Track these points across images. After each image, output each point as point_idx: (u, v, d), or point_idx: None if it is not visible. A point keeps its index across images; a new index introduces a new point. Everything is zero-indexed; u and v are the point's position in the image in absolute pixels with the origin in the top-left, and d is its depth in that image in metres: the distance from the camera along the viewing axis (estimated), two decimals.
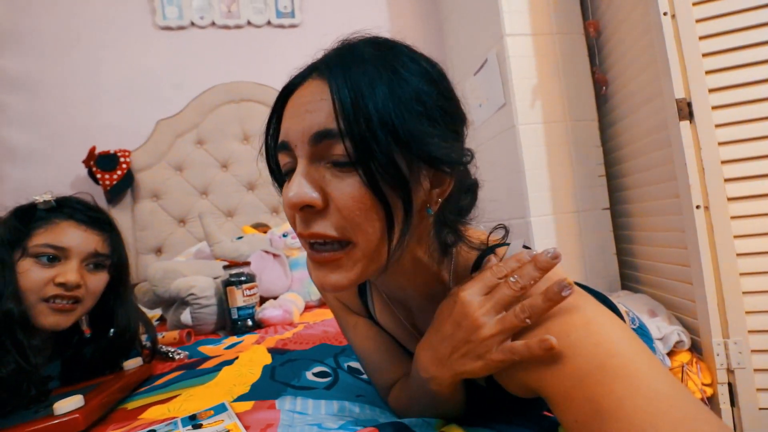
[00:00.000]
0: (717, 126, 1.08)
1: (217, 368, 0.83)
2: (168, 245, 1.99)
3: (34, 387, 0.70)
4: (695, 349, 1.20)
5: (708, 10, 1.08)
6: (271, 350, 0.94)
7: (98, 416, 0.63)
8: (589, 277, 1.52)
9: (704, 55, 1.09)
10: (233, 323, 1.23)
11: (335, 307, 0.66)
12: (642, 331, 0.75)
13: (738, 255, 1.07)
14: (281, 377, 0.75)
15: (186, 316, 1.24)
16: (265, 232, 1.75)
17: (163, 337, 1.12)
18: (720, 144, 1.08)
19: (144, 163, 1.97)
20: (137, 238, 1.95)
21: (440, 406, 0.49)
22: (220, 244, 1.50)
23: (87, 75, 2.00)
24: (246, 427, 0.52)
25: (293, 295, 1.43)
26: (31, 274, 0.73)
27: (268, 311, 1.26)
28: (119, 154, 1.88)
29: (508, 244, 0.46)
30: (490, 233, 0.49)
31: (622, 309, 0.68)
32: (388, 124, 0.37)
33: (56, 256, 0.75)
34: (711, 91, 1.08)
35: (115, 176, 1.85)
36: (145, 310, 1.00)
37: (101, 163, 1.85)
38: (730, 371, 1.09)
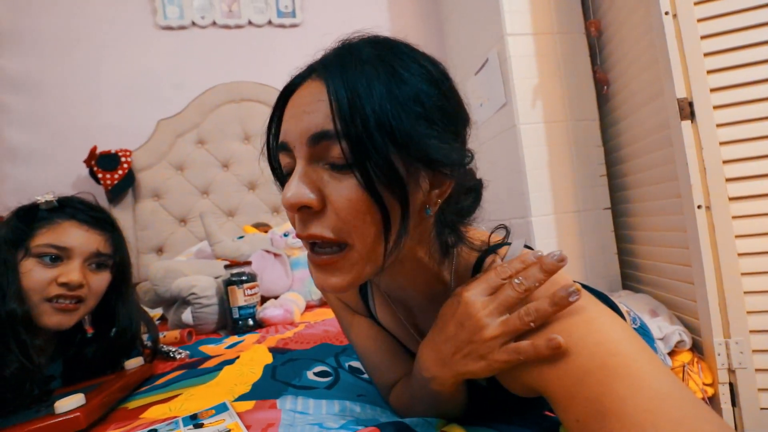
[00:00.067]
0: (718, 126, 1.08)
1: (218, 368, 0.83)
2: (169, 245, 1.99)
3: (37, 386, 0.70)
4: (696, 348, 1.20)
5: (709, 10, 1.08)
6: (272, 350, 0.94)
7: (99, 415, 0.63)
8: (590, 277, 1.52)
9: (706, 54, 1.08)
10: (234, 323, 1.23)
11: (336, 306, 0.66)
12: (643, 331, 0.75)
13: (739, 255, 1.07)
14: (282, 377, 0.75)
15: (187, 316, 1.24)
16: (266, 232, 1.75)
17: (164, 336, 1.12)
18: (721, 144, 1.08)
19: (145, 163, 1.98)
20: (138, 237, 1.95)
21: (442, 405, 0.49)
22: (221, 243, 1.50)
23: (88, 75, 2.00)
24: (247, 427, 0.52)
25: (294, 295, 1.43)
26: (34, 274, 0.73)
27: (269, 311, 1.26)
28: (120, 153, 1.88)
29: (509, 244, 0.46)
30: (492, 233, 0.49)
31: (623, 309, 0.68)
32: (385, 125, 0.37)
33: (59, 256, 0.75)
34: (712, 90, 1.08)
35: (116, 176, 1.85)
36: (146, 309, 1.00)
37: (102, 162, 1.85)
38: (731, 371, 1.09)
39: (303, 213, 0.40)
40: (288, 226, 1.77)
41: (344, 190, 0.38)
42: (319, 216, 0.40)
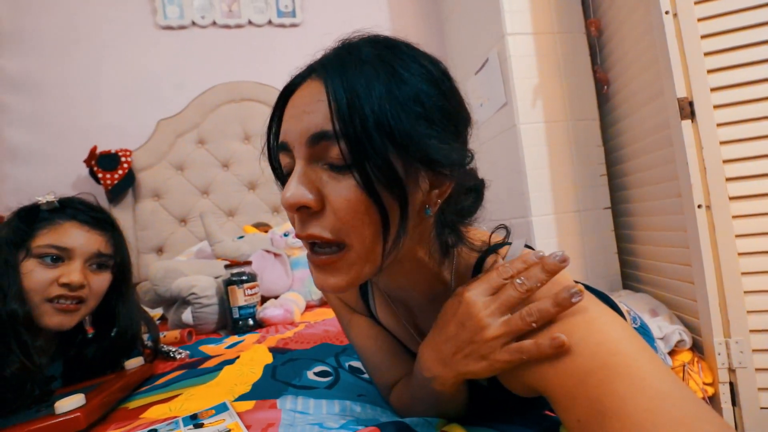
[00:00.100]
0: (719, 125, 1.08)
1: (218, 368, 0.83)
2: (169, 245, 1.99)
3: (38, 387, 0.70)
4: (696, 348, 1.20)
5: (710, 9, 1.08)
6: (272, 349, 0.94)
7: (99, 415, 0.63)
8: (590, 277, 1.52)
9: (706, 54, 1.08)
10: (234, 322, 1.23)
11: (337, 306, 0.66)
12: (643, 331, 0.75)
13: (740, 254, 1.07)
14: (282, 377, 0.75)
15: (187, 316, 1.24)
16: (266, 232, 1.75)
17: (165, 336, 1.12)
18: (722, 143, 1.08)
19: (145, 163, 1.98)
20: (138, 237, 1.95)
21: (442, 405, 0.49)
22: (221, 243, 1.50)
23: (88, 75, 2.00)
24: (247, 427, 0.52)
25: (294, 295, 1.43)
26: (35, 275, 0.73)
27: (269, 310, 1.26)
28: (120, 153, 1.88)
29: (510, 244, 0.46)
30: (492, 233, 0.49)
31: (623, 308, 0.68)
32: (384, 126, 0.37)
33: (60, 256, 0.76)
34: (713, 90, 1.08)
35: (116, 176, 1.85)
36: (146, 309, 1.00)
37: (102, 162, 1.85)
38: (731, 371, 1.09)
39: (302, 213, 0.40)
40: (288, 226, 1.77)
41: (343, 191, 0.38)
42: (318, 216, 0.40)
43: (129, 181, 1.89)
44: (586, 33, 1.57)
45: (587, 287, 0.47)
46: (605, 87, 1.54)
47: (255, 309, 1.27)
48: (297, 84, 0.43)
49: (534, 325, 0.37)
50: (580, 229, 1.53)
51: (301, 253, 1.62)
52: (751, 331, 1.06)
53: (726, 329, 1.08)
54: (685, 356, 1.16)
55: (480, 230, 0.50)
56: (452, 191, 0.43)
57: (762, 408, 1.06)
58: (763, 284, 1.05)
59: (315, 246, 0.42)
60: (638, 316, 0.92)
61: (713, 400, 1.12)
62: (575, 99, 1.55)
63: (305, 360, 0.83)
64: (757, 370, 1.06)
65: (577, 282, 0.40)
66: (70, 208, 0.80)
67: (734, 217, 1.07)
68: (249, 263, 1.34)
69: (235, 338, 1.14)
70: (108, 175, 1.84)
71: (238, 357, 0.90)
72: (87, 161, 1.85)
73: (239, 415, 0.57)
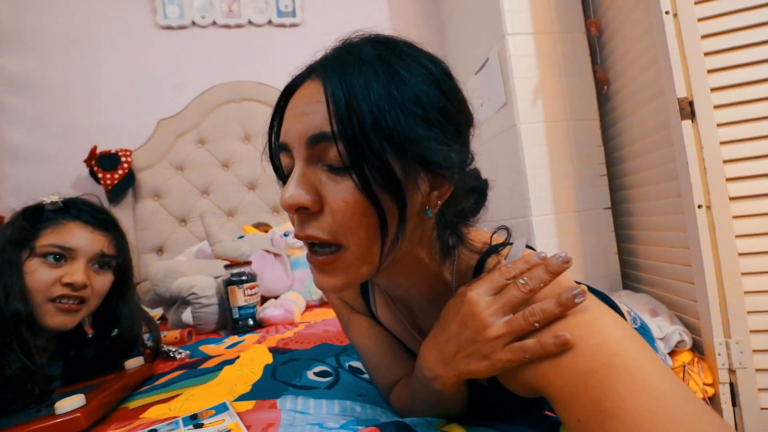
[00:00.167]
0: (719, 125, 1.08)
1: (218, 368, 0.83)
2: (169, 245, 1.99)
3: (38, 386, 0.70)
4: (697, 348, 1.20)
5: (710, 9, 1.08)
6: (272, 350, 0.94)
7: (99, 415, 0.63)
8: (590, 277, 1.52)
9: (706, 54, 1.08)
10: (234, 323, 1.23)
11: (337, 305, 0.66)
12: (643, 331, 0.75)
13: (740, 255, 1.07)
14: (282, 377, 0.75)
15: (187, 316, 1.24)
16: (266, 232, 1.75)
17: (165, 336, 1.12)
18: (722, 143, 1.08)
19: (145, 163, 1.98)
20: (138, 237, 1.95)
21: (443, 405, 0.49)
22: (222, 243, 1.50)
23: (88, 75, 2.00)
24: (247, 427, 0.52)
25: (294, 295, 1.43)
26: (38, 274, 0.73)
27: (269, 311, 1.26)
28: (120, 153, 1.88)
29: (511, 244, 0.46)
30: (493, 234, 0.49)
31: (623, 308, 0.68)
32: (383, 127, 0.37)
33: (63, 256, 0.76)
34: (713, 90, 1.08)
35: (116, 176, 1.85)
36: (146, 309, 1.01)
37: (102, 162, 1.85)
38: (731, 371, 1.09)
39: (301, 214, 0.41)
40: (288, 226, 1.77)
41: (341, 192, 0.38)
42: (316, 217, 0.40)
43: (129, 181, 1.89)
44: (587, 33, 1.57)
45: (587, 287, 0.47)
46: (605, 87, 1.54)
47: (255, 309, 1.27)
48: (297, 84, 0.42)
49: (537, 325, 0.37)
50: (580, 230, 1.53)
51: (301, 253, 1.62)
52: (752, 331, 1.06)
53: (726, 329, 1.08)
54: (685, 357, 1.16)
55: (481, 231, 0.50)
56: (453, 192, 0.43)
57: (762, 408, 1.06)
58: (764, 285, 1.05)
59: (314, 246, 0.42)
60: (638, 317, 0.92)
61: (713, 401, 1.12)
62: (575, 99, 1.55)
63: (305, 360, 0.83)
64: (757, 370, 1.06)
65: (578, 283, 0.40)
66: (74, 209, 0.81)
67: (734, 217, 1.07)
68: (249, 263, 1.34)
69: (235, 338, 1.15)
70: (108, 175, 1.84)
71: (238, 357, 0.90)
72: (87, 161, 1.85)
73: (239, 415, 0.57)
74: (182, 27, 2.10)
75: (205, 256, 1.62)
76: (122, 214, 1.89)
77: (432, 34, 2.30)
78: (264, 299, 1.41)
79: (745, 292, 1.06)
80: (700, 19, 1.08)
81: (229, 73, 2.11)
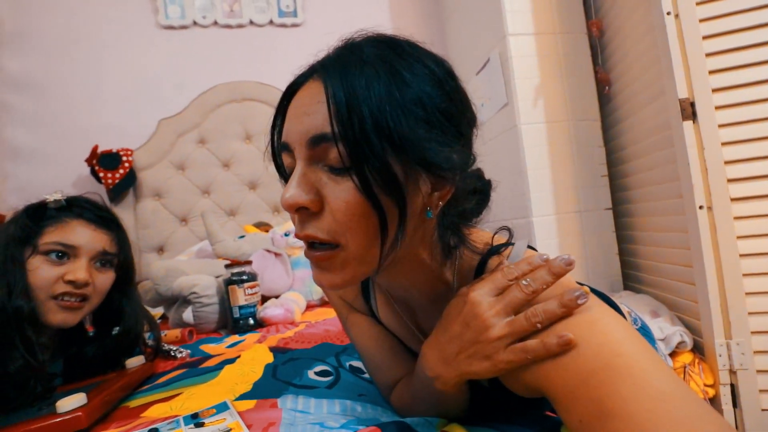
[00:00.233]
0: (720, 126, 1.07)
1: (219, 367, 0.83)
2: (170, 244, 1.99)
3: (40, 384, 0.71)
4: (697, 350, 1.20)
5: (711, 10, 1.08)
6: (272, 349, 0.94)
7: (101, 414, 0.63)
8: (591, 278, 1.52)
9: (708, 54, 1.08)
10: (235, 322, 1.23)
11: (338, 305, 0.66)
12: (644, 332, 0.75)
13: (741, 256, 1.06)
14: (283, 376, 0.75)
15: (188, 315, 1.24)
16: (266, 231, 1.75)
17: (165, 335, 1.12)
18: (723, 144, 1.07)
19: (146, 162, 1.98)
20: (139, 236, 1.95)
21: (444, 405, 0.49)
22: (222, 243, 1.51)
23: (89, 74, 2.01)
24: (248, 426, 0.52)
25: (295, 294, 1.44)
26: (41, 272, 0.74)
27: (270, 310, 1.26)
28: (121, 153, 1.88)
29: (513, 244, 0.46)
30: (494, 234, 0.49)
31: (624, 309, 0.68)
32: (383, 128, 0.36)
33: (66, 253, 0.76)
34: (714, 91, 1.08)
35: (117, 175, 1.86)
36: (147, 308, 1.01)
37: (104, 161, 1.85)
38: (732, 372, 1.09)
39: (301, 214, 0.41)
40: (289, 226, 1.77)
41: (341, 193, 0.38)
42: (317, 217, 0.40)
43: (130, 180, 1.90)
44: (588, 33, 1.57)
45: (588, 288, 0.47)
46: (606, 87, 1.53)
47: (255, 308, 1.27)
48: (299, 84, 0.43)
49: (539, 326, 0.37)
50: (581, 230, 1.53)
51: (302, 253, 1.61)
52: (753, 332, 1.06)
53: (727, 331, 1.08)
54: (686, 357, 1.16)
55: (483, 231, 0.50)
56: (455, 194, 0.43)
57: (763, 410, 1.06)
58: (765, 286, 1.05)
59: (314, 244, 0.42)
60: (639, 317, 0.92)
61: (714, 402, 1.11)
62: (576, 99, 1.55)
63: (306, 359, 0.83)
64: (758, 371, 1.06)
65: (580, 284, 0.40)
66: (76, 207, 0.81)
67: (736, 218, 1.07)
68: (249, 263, 1.34)
69: (235, 337, 1.15)
70: (109, 175, 1.85)
71: (238, 356, 0.90)
72: (88, 160, 1.86)
73: (240, 414, 0.57)
74: (183, 27, 2.10)
75: (206, 255, 1.63)
76: (123, 214, 1.89)
77: (433, 34, 2.30)
78: (265, 299, 1.41)
79: (746, 293, 1.06)
80: (701, 20, 1.08)
81: (230, 72, 2.11)
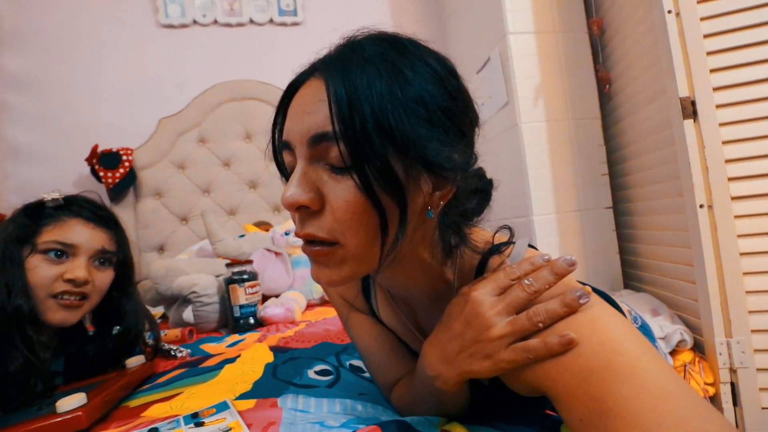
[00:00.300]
0: (721, 125, 1.07)
1: (219, 366, 0.83)
2: (170, 243, 1.99)
3: (41, 382, 0.71)
4: (698, 348, 1.20)
5: (713, 8, 1.07)
6: (273, 348, 0.94)
7: (101, 414, 0.63)
8: (591, 276, 1.52)
9: (709, 53, 1.08)
10: (235, 321, 1.23)
11: (338, 304, 0.66)
12: (644, 330, 0.75)
13: (741, 254, 1.06)
14: (283, 375, 0.75)
15: (188, 314, 1.24)
16: (267, 230, 1.75)
17: (166, 334, 1.12)
18: (724, 143, 1.07)
19: (146, 162, 1.98)
20: (140, 236, 1.95)
21: (444, 404, 0.49)
22: (223, 242, 1.50)
23: (89, 73, 2.00)
24: (248, 425, 0.52)
25: (295, 294, 1.44)
26: (40, 271, 0.74)
27: (270, 309, 1.26)
28: (122, 152, 1.88)
29: (514, 243, 0.46)
30: (495, 233, 0.49)
31: (624, 308, 0.68)
32: (385, 127, 0.36)
33: (64, 252, 0.76)
34: (715, 89, 1.08)
35: (117, 174, 1.85)
36: (147, 308, 1.01)
37: (104, 161, 1.85)
38: (732, 371, 1.09)
39: (302, 212, 0.41)
40: (289, 225, 1.77)
41: (342, 192, 0.38)
42: (317, 215, 0.40)
43: (130, 179, 1.89)
44: (588, 32, 1.56)
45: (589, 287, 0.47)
46: (607, 86, 1.53)
47: (256, 308, 1.27)
48: (301, 82, 0.42)
49: (541, 325, 0.37)
50: (581, 229, 1.53)
51: (302, 252, 1.61)
52: (753, 331, 1.06)
53: (727, 329, 1.08)
54: (687, 356, 1.16)
55: (484, 230, 0.50)
56: (456, 193, 0.43)
57: (763, 408, 1.06)
58: (765, 284, 1.05)
59: (313, 241, 0.42)
60: (639, 316, 0.92)
61: (714, 400, 1.11)
62: (577, 98, 1.55)
63: (306, 359, 0.83)
64: (758, 370, 1.06)
65: (582, 283, 0.40)
66: (74, 206, 0.81)
67: (736, 216, 1.07)
68: (250, 262, 1.34)
69: (236, 337, 1.15)
70: (109, 174, 1.84)
71: (238, 356, 0.90)
72: (88, 160, 1.86)
73: (240, 413, 0.57)
74: (183, 26, 2.10)
75: (206, 254, 1.63)
76: (123, 213, 1.89)
77: (433, 33, 2.30)
78: (265, 298, 1.41)
79: (747, 292, 1.06)
80: (702, 18, 1.08)
81: (230, 71, 2.11)
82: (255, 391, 0.68)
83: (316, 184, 0.39)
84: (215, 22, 2.12)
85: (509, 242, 0.47)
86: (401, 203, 0.39)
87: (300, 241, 0.43)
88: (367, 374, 0.75)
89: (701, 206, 1.08)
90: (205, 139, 2.07)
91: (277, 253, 1.51)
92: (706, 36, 1.08)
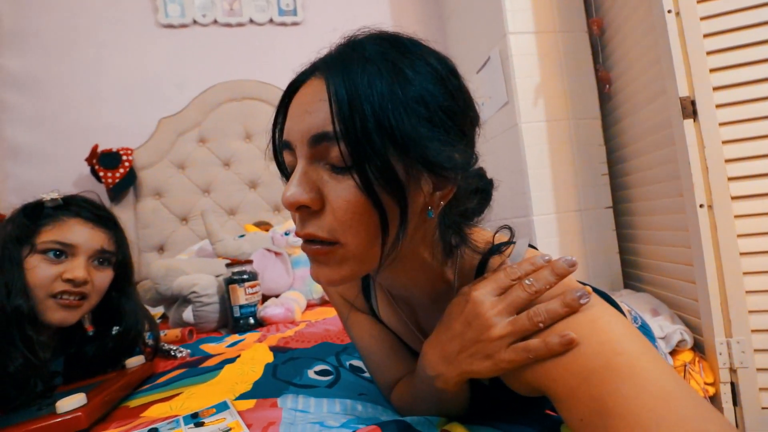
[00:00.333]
0: (721, 124, 1.07)
1: (219, 366, 0.83)
2: (170, 243, 1.99)
3: (41, 382, 0.71)
4: (698, 348, 1.20)
5: (712, 8, 1.07)
6: (272, 348, 0.94)
7: (101, 414, 0.63)
8: (591, 276, 1.52)
9: (708, 53, 1.08)
10: (235, 321, 1.23)
11: (338, 304, 0.66)
12: (644, 330, 0.75)
13: (741, 254, 1.06)
14: (283, 375, 0.75)
15: (188, 314, 1.24)
16: (267, 230, 1.75)
17: (165, 335, 1.12)
18: (724, 142, 1.07)
19: (146, 162, 1.98)
20: (140, 236, 1.95)
21: (445, 404, 0.49)
22: (223, 242, 1.50)
23: (89, 73, 2.00)
24: (248, 425, 0.52)
25: (295, 294, 1.44)
26: (39, 271, 0.74)
27: (270, 309, 1.26)
28: (122, 152, 1.88)
29: (514, 243, 0.46)
30: (496, 234, 0.49)
31: (624, 308, 0.67)
32: (385, 127, 0.36)
33: (63, 252, 0.76)
34: (715, 89, 1.08)
35: (117, 174, 1.85)
36: (147, 308, 1.01)
37: (104, 161, 1.85)
38: (732, 371, 1.09)
39: (302, 212, 0.40)
40: (289, 225, 1.77)
41: (342, 192, 0.38)
42: (317, 215, 0.40)
43: (130, 179, 1.89)
44: (588, 32, 1.56)
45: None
46: (607, 86, 1.53)
47: (256, 308, 1.27)
48: (301, 81, 0.42)
49: (541, 325, 0.37)
50: (581, 229, 1.53)
51: (302, 252, 1.61)
52: (753, 330, 1.06)
53: (727, 329, 1.08)
54: (687, 356, 1.16)
55: (484, 230, 0.50)
56: (456, 193, 0.43)
57: (763, 408, 1.06)
58: (765, 284, 1.05)
59: (313, 241, 0.42)
60: (639, 316, 0.92)
61: (714, 400, 1.11)
62: (577, 98, 1.55)
63: (306, 359, 0.83)
64: (758, 370, 1.06)
65: (583, 283, 0.40)
66: (73, 206, 0.81)
67: (736, 216, 1.07)
68: (250, 262, 1.34)
69: (235, 337, 1.15)
70: (109, 174, 1.84)
71: (238, 356, 0.90)
72: (88, 160, 1.86)
73: (240, 413, 0.57)
74: (183, 26, 2.10)
75: (206, 254, 1.62)
76: (123, 213, 1.89)
77: (433, 33, 2.30)
78: (265, 298, 1.41)
79: (747, 292, 1.06)
80: (702, 18, 1.08)
81: (230, 71, 2.11)
82: (255, 391, 0.68)
83: (316, 183, 0.39)
84: (215, 22, 2.12)
85: (509, 242, 0.47)
86: (402, 203, 0.39)
87: (300, 241, 0.43)
88: (367, 374, 0.75)
89: (701, 206, 1.08)
90: (205, 139, 2.07)
91: (277, 253, 1.51)
92: (705, 36, 1.08)
